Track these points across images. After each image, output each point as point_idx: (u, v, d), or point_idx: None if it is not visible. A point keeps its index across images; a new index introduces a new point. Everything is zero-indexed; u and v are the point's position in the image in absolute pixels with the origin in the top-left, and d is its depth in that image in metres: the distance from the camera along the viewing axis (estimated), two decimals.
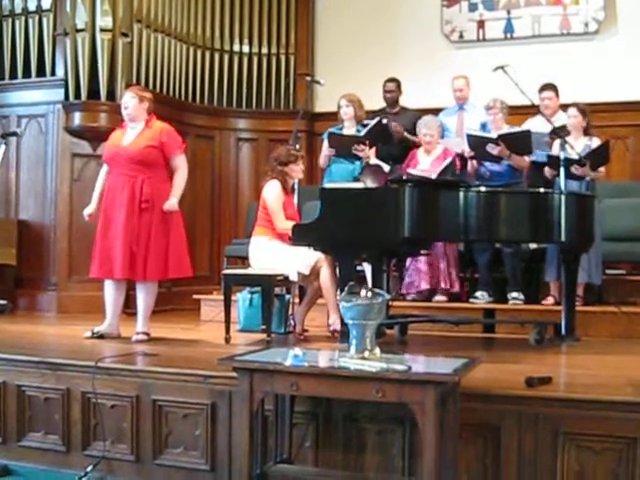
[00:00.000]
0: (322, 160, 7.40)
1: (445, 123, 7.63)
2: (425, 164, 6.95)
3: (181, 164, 5.91)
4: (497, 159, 6.86)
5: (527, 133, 6.75)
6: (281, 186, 6.15)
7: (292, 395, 3.84)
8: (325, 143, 7.28)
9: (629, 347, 5.77)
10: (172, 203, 5.76)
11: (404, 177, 6.11)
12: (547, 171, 6.71)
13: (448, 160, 6.54)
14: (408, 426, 3.81)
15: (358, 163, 7.06)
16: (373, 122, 7.05)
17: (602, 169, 6.69)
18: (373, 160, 7.01)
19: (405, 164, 7.10)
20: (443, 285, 6.83)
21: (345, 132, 7.22)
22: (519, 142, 6.74)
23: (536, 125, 7.03)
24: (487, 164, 7.02)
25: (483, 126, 7.36)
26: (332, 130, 7.29)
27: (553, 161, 6.46)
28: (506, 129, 6.96)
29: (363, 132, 7.02)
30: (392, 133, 7.33)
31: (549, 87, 7.30)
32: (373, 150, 7.13)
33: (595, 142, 6.71)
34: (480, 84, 7.71)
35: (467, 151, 7.04)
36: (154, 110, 6.02)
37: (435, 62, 9.02)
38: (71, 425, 4.61)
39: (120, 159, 5.81)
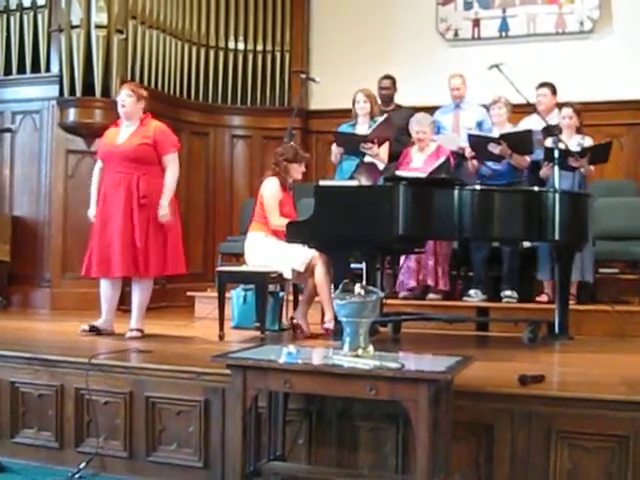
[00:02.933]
0: (333, 157, 7.38)
1: (441, 121, 7.62)
2: (418, 162, 6.94)
3: (171, 163, 5.85)
4: (498, 158, 6.87)
5: (528, 133, 6.76)
6: (279, 183, 6.17)
7: (285, 392, 3.84)
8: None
9: (622, 346, 5.79)
10: (164, 213, 5.72)
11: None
12: (543, 172, 6.72)
13: (442, 159, 6.53)
14: (401, 424, 3.82)
15: None
16: (380, 120, 7.03)
17: (592, 167, 6.72)
18: (368, 158, 7.01)
19: (399, 162, 7.09)
20: (429, 282, 6.84)
21: (358, 128, 7.15)
22: (520, 142, 6.75)
23: (532, 124, 7.02)
24: (489, 163, 7.04)
25: (479, 124, 7.38)
26: (344, 127, 7.27)
27: (549, 154, 6.45)
28: (508, 128, 6.97)
29: (369, 131, 7.00)
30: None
31: (546, 85, 7.33)
32: (385, 147, 7.09)
33: (588, 140, 6.76)
34: (475, 83, 7.71)
35: (468, 151, 7.05)
36: (149, 107, 6.00)
37: (430, 60, 9.03)
38: (64, 421, 4.60)
39: (115, 157, 5.79)
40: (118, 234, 5.66)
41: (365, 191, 5.71)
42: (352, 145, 7.04)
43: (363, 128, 7.13)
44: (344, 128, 7.28)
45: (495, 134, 6.89)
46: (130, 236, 5.66)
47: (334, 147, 7.27)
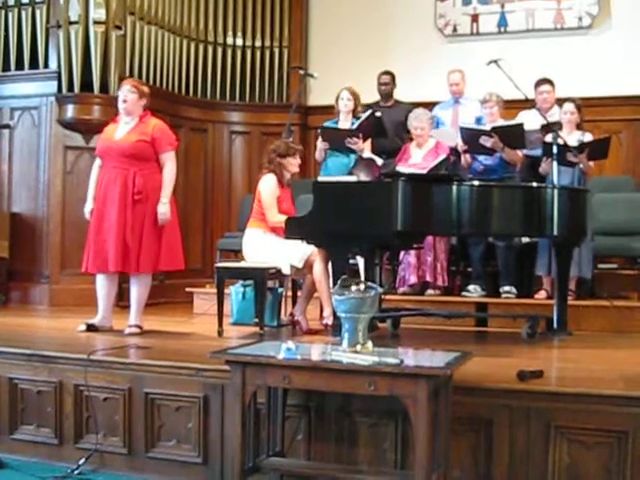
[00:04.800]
0: (318, 154, 7.39)
1: (440, 117, 7.64)
2: (417, 158, 6.94)
3: (169, 161, 5.85)
4: (490, 152, 6.86)
5: (520, 126, 6.76)
6: (277, 180, 6.17)
7: (285, 388, 3.85)
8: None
9: (621, 341, 5.79)
10: (164, 210, 5.73)
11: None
12: (542, 168, 6.72)
13: (442, 157, 6.54)
14: (400, 419, 3.82)
15: (353, 156, 7.06)
16: (365, 114, 7.05)
17: (591, 163, 6.72)
18: (366, 154, 7.01)
19: (398, 158, 7.10)
20: (428, 278, 6.84)
21: (340, 125, 7.23)
22: (512, 135, 6.74)
23: (530, 118, 7.01)
24: (481, 158, 7.03)
25: (478, 120, 7.36)
26: (326, 124, 7.29)
27: (548, 150, 6.45)
28: (501, 123, 6.96)
29: (355, 125, 7.03)
30: (385, 126, 7.30)
31: (547, 81, 7.31)
32: (368, 143, 7.13)
33: (587, 137, 6.76)
34: (474, 78, 7.71)
35: (460, 145, 7.04)
36: (148, 104, 6.00)
37: (429, 56, 9.03)
38: (63, 418, 4.60)
39: (112, 153, 5.79)
40: (113, 230, 5.68)
41: (364, 187, 5.69)
42: (338, 140, 7.05)
43: (345, 125, 7.17)
44: (327, 125, 7.30)
45: (487, 128, 6.88)
46: (124, 231, 5.67)
47: (319, 143, 7.28)
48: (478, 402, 3.80)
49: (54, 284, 8.03)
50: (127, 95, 5.85)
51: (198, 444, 4.27)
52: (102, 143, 5.96)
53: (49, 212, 8.11)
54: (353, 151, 7.04)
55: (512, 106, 7.23)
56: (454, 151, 7.14)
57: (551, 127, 6.47)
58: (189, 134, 9.16)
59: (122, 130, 5.86)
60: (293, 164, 6.29)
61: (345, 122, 7.21)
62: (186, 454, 4.31)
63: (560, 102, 7.05)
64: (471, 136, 6.87)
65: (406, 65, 8.69)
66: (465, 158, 7.13)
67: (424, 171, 6.24)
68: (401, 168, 6.60)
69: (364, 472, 3.89)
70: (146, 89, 6.00)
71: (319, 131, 7.38)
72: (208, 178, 9.45)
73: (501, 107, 7.05)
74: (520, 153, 6.98)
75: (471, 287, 6.89)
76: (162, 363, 4.45)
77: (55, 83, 7.99)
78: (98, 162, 5.99)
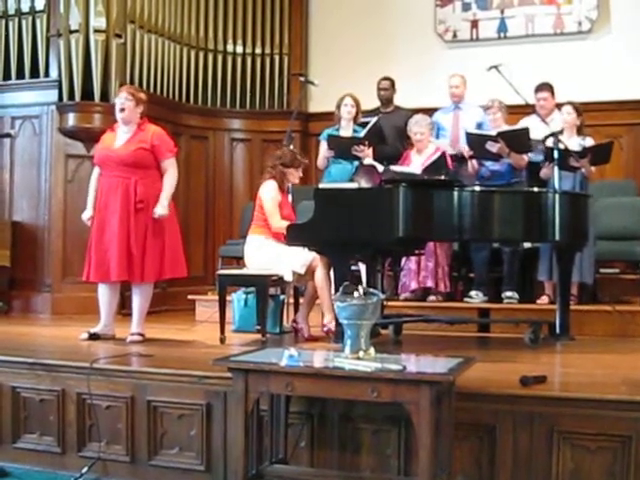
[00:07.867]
0: (321, 162, 7.39)
1: (440, 122, 7.62)
2: (417, 164, 6.94)
3: (170, 168, 5.86)
4: (496, 157, 6.86)
5: (525, 131, 6.75)
6: (277, 186, 6.17)
7: (287, 395, 3.84)
8: (323, 144, 7.28)
9: (623, 346, 5.79)
10: (163, 212, 5.70)
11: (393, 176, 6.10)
12: (543, 173, 6.71)
13: (436, 155, 6.53)
14: (403, 426, 3.82)
15: (357, 163, 7.07)
16: (372, 122, 7.05)
17: (593, 168, 6.71)
18: (367, 160, 7.01)
19: (399, 164, 7.09)
20: (430, 284, 6.84)
21: (342, 132, 7.22)
22: (518, 140, 6.74)
23: (531, 124, 7.01)
24: (488, 164, 7.03)
25: (479, 125, 7.36)
26: (330, 131, 7.28)
27: (550, 154, 6.44)
28: (506, 128, 6.96)
29: (363, 133, 7.02)
30: (384, 133, 7.30)
31: (545, 87, 7.29)
32: (370, 150, 7.13)
33: (588, 141, 6.74)
34: (474, 84, 7.71)
35: (466, 150, 7.04)
36: (148, 111, 6.00)
37: (429, 62, 9.04)
38: (66, 426, 4.60)
39: (112, 162, 5.78)
40: (115, 239, 5.66)
41: (365, 193, 5.70)
42: (345, 148, 7.05)
43: (347, 133, 7.17)
44: (329, 132, 7.30)
45: (493, 133, 6.88)
46: (127, 241, 5.65)
47: (324, 150, 7.28)
48: (481, 408, 3.79)
49: (56, 292, 8.03)
50: (124, 103, 5.81)
51: (201, 452, 4.27)
52: (101, 152, 5.94)
53: (50, 220, 8.11)
54: (357, 158, 7.04)
55: (513, 111, 7.23)
56: (455, 157, 7.14)
57: (554, 135, 6.45)
58: (190, 142, 9.17)
59: (121, 139, 5.85)
60: (295, 175, 6.29)
61: (347, 129, 7.21)
62: (189, 462, 4.30)
63: (560, 107, 7.04)
64: (477, 141, 6.87)
65: (406, 71, 8.69)
66: (472, 164, 7.12)
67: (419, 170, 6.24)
68: (397, 168, 6.56)
69: (367, 479, 3.89)
70: (143, 96, 5.97)
71: (320, 138, 7.38)
72: (209, 185, 9.45)
73: (504, 113, 7.04)
74: (526, 157, 6.97)
75: (473, 293, 6.89)
76: (164, 371, 4.45)
77: (56, 92, 8.00)
78: (97, 170, 5.99)
